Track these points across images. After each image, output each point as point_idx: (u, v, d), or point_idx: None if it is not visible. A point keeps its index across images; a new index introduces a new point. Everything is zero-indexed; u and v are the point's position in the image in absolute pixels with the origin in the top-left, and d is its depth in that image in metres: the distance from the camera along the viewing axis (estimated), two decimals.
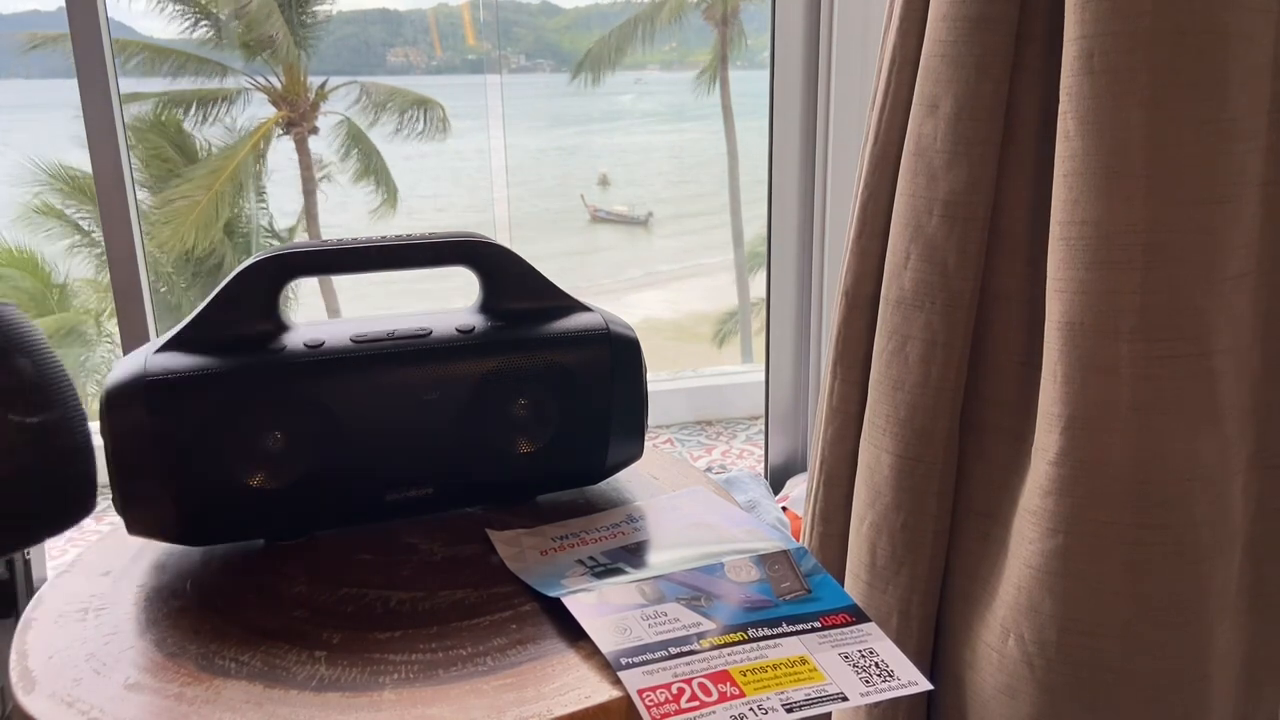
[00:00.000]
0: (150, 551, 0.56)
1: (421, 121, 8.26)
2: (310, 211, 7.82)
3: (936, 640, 0.74)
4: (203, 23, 7.36)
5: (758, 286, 8.01)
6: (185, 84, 7.23)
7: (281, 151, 7.77)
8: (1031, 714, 0.65)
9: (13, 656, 0.46)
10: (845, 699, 0.42)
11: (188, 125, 7.31)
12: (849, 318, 0.77)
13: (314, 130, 7.72)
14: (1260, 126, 0.59)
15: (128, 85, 7.09)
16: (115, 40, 1.30)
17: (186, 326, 0.53)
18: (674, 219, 11.22)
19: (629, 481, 0.64)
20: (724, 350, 8.32)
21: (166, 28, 7.24)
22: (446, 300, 0.61)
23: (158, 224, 6.83)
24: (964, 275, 0.68)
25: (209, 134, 7.38)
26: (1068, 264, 0.60)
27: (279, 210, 7.99)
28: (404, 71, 11.54)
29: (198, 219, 6.90)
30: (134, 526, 0.52)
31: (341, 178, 7.78)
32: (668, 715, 0.40)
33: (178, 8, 7.25)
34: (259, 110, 7.52)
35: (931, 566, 0.72)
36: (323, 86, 7.74)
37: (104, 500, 0.57)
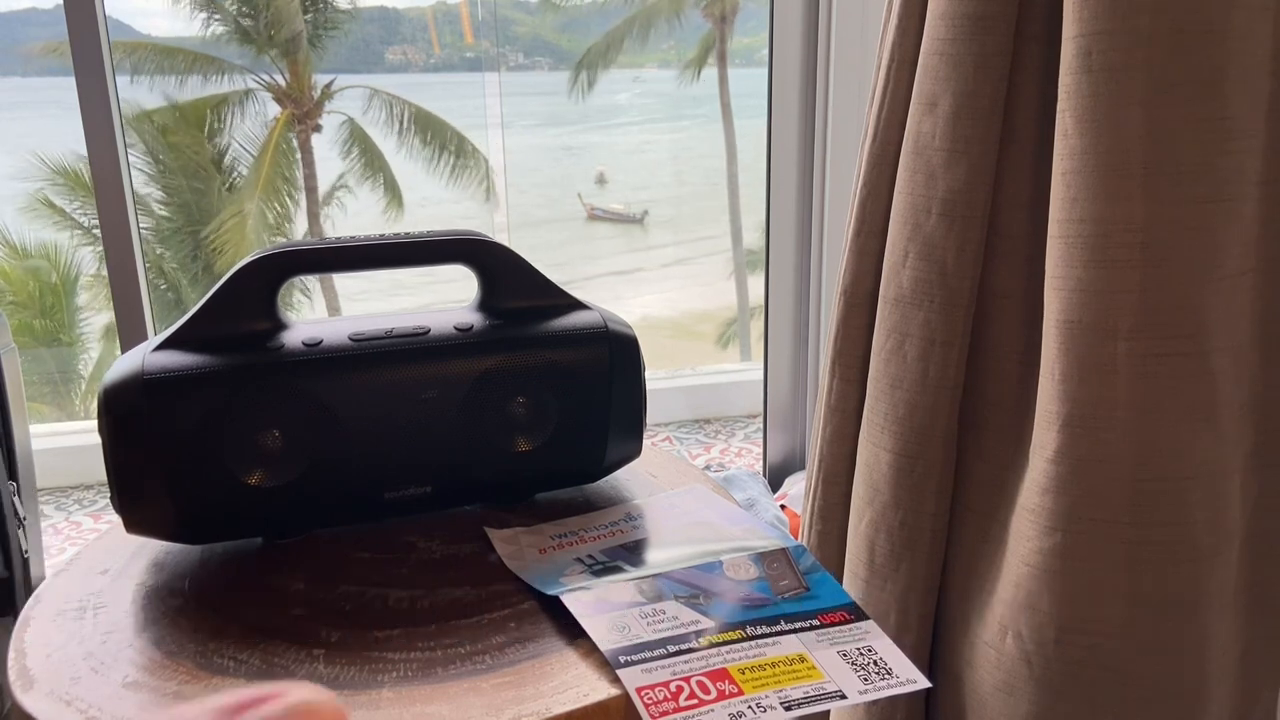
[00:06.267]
0: (148, 550, 0.56)
1: (457, 160, 7.68)
2: (312, 210, 7.79)
3: (935, 638, 0.74)
4: (215, 18, 7.30)
5: (756, 285, 8.00)
6: (192, 83, 7.17)
7: (312, 149, 7.64)
8: (1029, 712, 0.65)
9: (11, 655, 0.46)
10: (844, 697, 0.42)
11: (208, 132, 7.23)
12: (847, 316, 0.77)
13: (317, 129, 7.68)
14: (1258, 125, 0.59)
15: (151, 95, 7.02)
16: (116, 41, 1.30)
17: (184, 325, 0.53)
18: (672, 218, 11.22)
19: (628, 480, 0.64)
20: (725, 351, 8.32)
21: (187, 26, 7.18)
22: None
23: (218, 250, 6.82)
24: (962, 273, 0.68)
25: (231, 138, 7.32)
26: (1066, 262, 0.60)
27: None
28: (402, 69, 11.52)
29: (255, 226, 6.90)
30: (132, 525, 0.52)
31: (351, 180, 7.67)
32: (666, 713, 0.40)
33: (192, 5, 7.19)
34: (265, 110, 7.49)
35: (930, 564, 0.72)
36: (328, 86, 7.68)
37: (103, 498, 0.58)
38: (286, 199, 7.42)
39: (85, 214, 6.87)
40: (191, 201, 7.18)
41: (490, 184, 8.04)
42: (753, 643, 0.45)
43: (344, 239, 0.56)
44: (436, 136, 7.72)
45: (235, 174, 7.35)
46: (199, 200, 7.18)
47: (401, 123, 7.63)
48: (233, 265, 0.54)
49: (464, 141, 7.77)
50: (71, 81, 1.22)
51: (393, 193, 7.53)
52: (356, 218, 7.86)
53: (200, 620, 0.48)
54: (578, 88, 8.72)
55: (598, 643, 0.44)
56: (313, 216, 7.76)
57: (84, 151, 1.25)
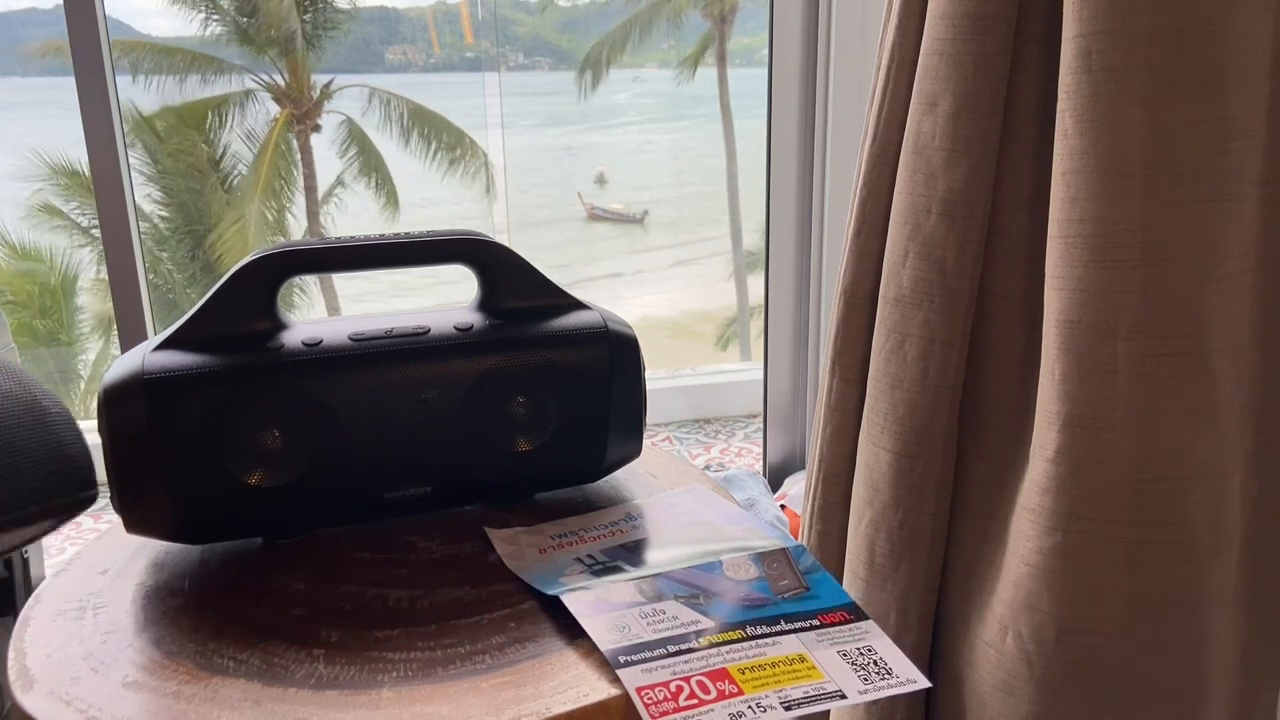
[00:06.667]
0: (148, 550, 0.56)
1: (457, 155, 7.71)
2: (311, 209, 7.79)
3: (935, 638, 0.74)
4: (214, 18, 7.29)
5: (756, 285, 7.99)
6: (192, 83, 7.16)
7: (311, 149, 7.61)
8: (1029, 712, 0.65)
9: (11, 655, 0.46)
10: (844, 697, 0.42)
11: (207, 133, 7.23)
12: (847, 316, 0.77)
13: (316, 128, 7.67)
14: (1258, 125, 0.59)
15: (151, 95, 7.02)
16: (116, 40, 1.30)
17: (184, 325, 0.53)
18: (672, 218, 11.23)
19: (627, 480, 0.64)
20: (725, 351, 8.32)
21: (185, 25, 7.19)
22: None
23: (225, 254, 6.85)
24: (962, 273, 0.68)
25: (231, 138, 7.32)
26: (1066, 262, 0.60)
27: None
28: (402, 69, 11.53)
29: (256, 228, 6.93)
30: (132, 525, 0.52)
31: (349, 178, 7.65)
32: (666, 713, 0.40)
33: (190, 4, 7.19)
34: (264, 110, 7.48)
35: (930, 564, 0.72)
36: (327, 86, 7.66)
37: (102, 499, 0.57)
38: (286, 199, 7.43)
39: (84, 214, 6.87)
40: (189, 202, 7.19)
41: (490, 184, 8.05)
42: (753, 643, 0.45)
43: (344, 239, 0.56)
44: (436, 136, 7.72)
45: (235, 174, 7.35)
46: (196, 200, 7.19)
47: (402, 123, 7.63)
48: (232, 266, 0.54)
49: (463, 138, 7.77)
50: (71, 81, 1.22)
51: (389, 192, 7.53)
52: (356, 217, 7.86)
53: (200, 620, 0.48)
54: (583, 87, 8.72)
55: (598, 643, 0.44)
56: (312, 216, 7.75)
57: (83, 152, 1.25)
